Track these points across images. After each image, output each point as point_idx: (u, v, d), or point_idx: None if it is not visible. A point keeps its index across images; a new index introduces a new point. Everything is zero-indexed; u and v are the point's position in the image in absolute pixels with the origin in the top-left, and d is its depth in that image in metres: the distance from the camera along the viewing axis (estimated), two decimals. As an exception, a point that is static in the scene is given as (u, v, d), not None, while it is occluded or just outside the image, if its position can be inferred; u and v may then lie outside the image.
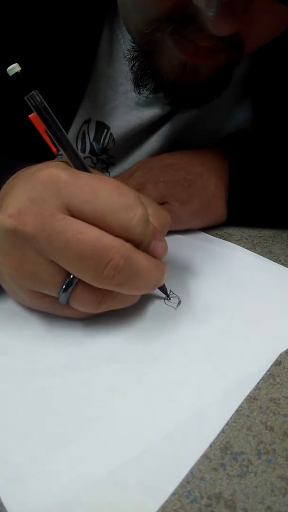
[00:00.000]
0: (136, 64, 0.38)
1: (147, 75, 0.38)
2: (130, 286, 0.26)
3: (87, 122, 0.46)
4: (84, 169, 0.27)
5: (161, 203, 0.40)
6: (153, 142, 0.47)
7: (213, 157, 0.43)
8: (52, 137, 0.26)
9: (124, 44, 0.41)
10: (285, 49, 0.40)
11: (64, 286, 0.26)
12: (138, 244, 0.26)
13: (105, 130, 0.47)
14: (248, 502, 0.21)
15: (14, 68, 0.25)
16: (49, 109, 0.26)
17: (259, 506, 0.21)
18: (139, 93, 0.41)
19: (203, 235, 0.42)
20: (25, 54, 0.40)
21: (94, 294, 0.26)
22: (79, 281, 0.26)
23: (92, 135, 0.47)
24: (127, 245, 0.25)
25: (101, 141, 0.47)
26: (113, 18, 0.42)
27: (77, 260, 0.24)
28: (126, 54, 0.39)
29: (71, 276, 0.26)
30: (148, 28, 0.32)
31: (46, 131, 0.26)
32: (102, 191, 0.25)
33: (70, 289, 0.26)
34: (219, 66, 0.35)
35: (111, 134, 0.47)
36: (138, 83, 0.39)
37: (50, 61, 0.41)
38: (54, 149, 0.26)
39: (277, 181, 0.41)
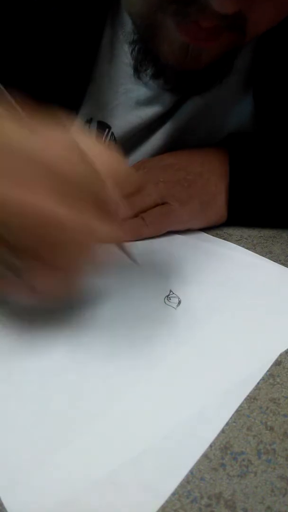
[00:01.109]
0: (136, 48, 0.38)
1: (148, 59, 0.38)
2: (84, 252, 0.24)
3: (88, 122, 0.46)
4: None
5: (161, 203, 0.40)
6: (154, 141, 0.47)
7: (213, 157, 0.43)
8: None
9: (126, 27, 0.41)
10: (287, 41, 0.40)
11: (13, 264, 0.24)
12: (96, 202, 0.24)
13: (107, 130, 0.47)
14: (248, 502, 0.21)
15: None
16: None
17: (259, 506, 0.21)
18: (139, 78, 0.40)
19: (203, 235, 0.42)
20: (27, 55, 0.40)
21: (50, 269, 0.24)
22: (34, 259, 0.24)
23: (93, 135, 0.47)
24: (78, 210, 0.23)
25: (103, 141, 0.47)
26: (114, 19, 0.42)
27: (24, 232, 0.22)
28: (126, 38, 0.38)
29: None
30: (150, 10, 0.32)
31: None
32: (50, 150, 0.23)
33: (19, 267, 0.24)
34: (221, 51, 0.35)
35: (112, 133, 0.47)
36: (138, 68, 0.39)
37: (51, 62, 0.41)
38: None
39: (277, 181, 0.41)
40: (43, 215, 0.22)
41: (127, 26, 0.40)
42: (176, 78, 0.38)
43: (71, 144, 0.23)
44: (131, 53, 0.38)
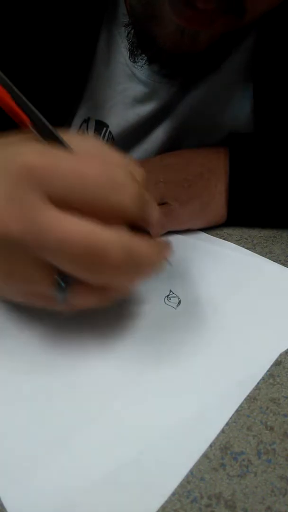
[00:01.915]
0: (132, 31, 0.37)
1: (143, 43, 0.37)
2: (133, 276, 0.24)
3: (86, 121, 0.46)
4: (56, 137, 0.24)
5: (161, 204, 0.40)
6: (152, 138, 0.48)
7: (214, 157, 0.43)
8: (18, 106, 0.23)
9: (122, 29, 0.40)
10: (287, 35, 0.40)
11: (59, 285, 0.24)
12: (137, 222, 0.24)
13: (104, 129, 0.47)
14: (248, 502, 0.21)
15: None
16: (7, 78, 0.22)
17: (259, 506, 0.21)
18: (134, 61, 0.40)
19: (203, 235, 0.42)
20: (24, 55, 0.40)
21: (93, 289, 0.24)
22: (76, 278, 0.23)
23: (91, 134, 0.47)
24: (123, 235, 0.23)
25: (101, 139, 0.47)
26: (111, 19, 0.42)
27: (71, 260, 0.22)
28: (122, 20, 0.37)
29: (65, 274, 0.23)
30: None
31: (13, 98, 0.22)
32: (88, 175, 0.22)
33: (66, 287, 0.24)
34: (218, 33, 0.34)
35: (110, 132, 0.47)
36: (133, 52, 0.39)
37: (48, 62, 0.41)
38: (27, 120, 0.23)
39: (277, 182, 0.41)
40: (90, 242, 0.22)
41: (125, 17, 0.39)
42: (172, 63, 0.38)
43: (116, 162, 0.23)
44: (127, 35, 0.38)
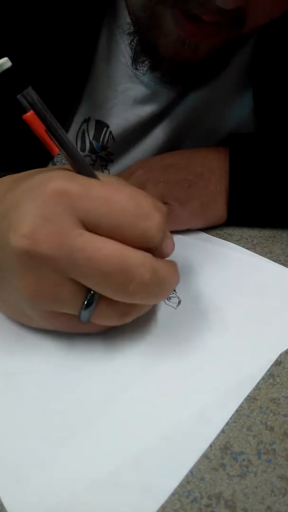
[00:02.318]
0: (135, 39, 0.38)
1: (145, 51, 0.38)
2: (155, 296, 0.25)
3: (86, 121, 0.46)
4: (88, 171, 0.25)
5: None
6: (153, 138, 0.48)
7: (214, 157, 0.43)
8: (52, 137, 0.24)
9: (124, 19, 0.41)
10: (286, 39, 0.40)
11: (86, 303, 0.24)
12: (154, 249, 0.25)
13: (105, 129, 0.47)
14: (248, 502, 0.21)
15: (4, 63, 0.22)
16: (45, 106, 0.23)
17: (259, 506, 0.21)
18: (136, 69, 0.40)
19: (203, 235, 0.42)
20: (24, 55, 0.40)
21: (117, 307, 0.25)
22: (102, 296, 0.24)
23: (91, 133, 0.47)
24: (149, 256, 0.24)
25: (101, 139, 0.47)
26: (112, 19, 0.42)
27: (100, 278, 0.23)
28: (125, 29, 0.38)
29: (92, 292, 0.24)
30: (152, 1, 0.32)
31: (46, 131, 0.24)
32: (117, 202, 0.23)
33: (92, 306, 0.24)
34: (218, 43, 0.35)
35: (110, 132, 0.47)
36: (136, 59, 0.39)
37: (48, 62, 0.41)
38: (55, 150, 0.24)
39: (277, 181, 0.41)
40: (120, 260, 0.23)
41: (125, 27, 0.40)
42: (173, 71, 0.38)
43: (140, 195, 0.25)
44: (130, 43, 0.38)
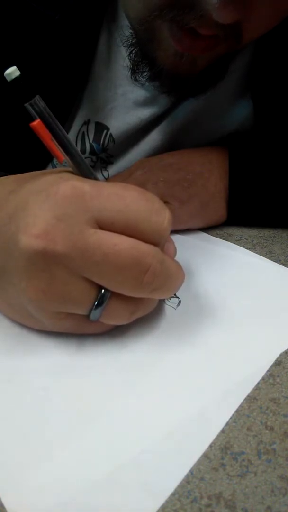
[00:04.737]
0: (134, 51, 0.38)
1: (144, 62, 0.38)
2: (164, 290, 0.25)
3: (86, 123, 0.46)
4: (92, 176, 0.26)
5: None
6: (152, 140, 0.48)
7: (214, 157, 0.43)
8: (58, 144, 0.24)
9: (123, 30, 0.41)
10: (285, 44, 0.40)
11: (96, 303, 0.25)
12: (161, 247, 0.26)
13: (105, 131, 0.47)
14: (248, 502, 0.21)
15: (13, 72, 0.23)
16: (52, 114, 0.24)
17: (259, 506, 0.21)
18: (136, 79, 0.41)
19: (203, 235, 0.42)
20: (23, 58, 0.40)
21: (127, 305, 0.26)
22: (112, 294, 0.25)
23: (91, 136, 0.47)
24: (158, 249, 0.25)
25: (101, 141, 0.47)
26: (111, 22, 0.42)
27: (116, 273, 0.23)
28: (124, 40, 0.38)
29: (103, 290, 0.24)
30: (150, 15, 0.32)
31: (52, 139, 0.24)
32: (129, 198, 0.24)
33: (103, 304, 0.25)
34: (216, 56, 0.35)
35: (110, 134, 0.47)
36: (135, 70, 0.39)
37: (48, 65, 0.41)
38: (61, 157, 0.25)
39: (277, 181, 0.41)
40: (135, 253, 0.23)
41: (125, 30, 0.40)
42: (172, 82, 0.39)
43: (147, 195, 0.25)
44: (129, 55, 0.39)
